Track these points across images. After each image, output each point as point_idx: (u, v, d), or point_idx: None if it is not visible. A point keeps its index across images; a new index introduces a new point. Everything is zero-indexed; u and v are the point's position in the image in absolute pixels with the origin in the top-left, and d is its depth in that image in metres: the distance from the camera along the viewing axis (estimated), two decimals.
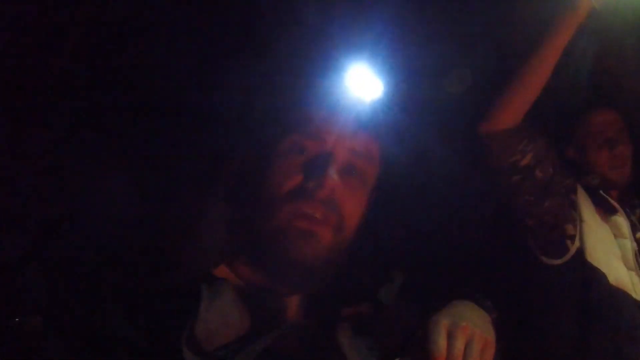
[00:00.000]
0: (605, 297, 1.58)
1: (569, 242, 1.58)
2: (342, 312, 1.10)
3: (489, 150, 1.58)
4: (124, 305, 0.97)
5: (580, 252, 1.62)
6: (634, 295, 1.62)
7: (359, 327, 1.08)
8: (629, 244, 1.71)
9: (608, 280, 1.61)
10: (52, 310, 0.98)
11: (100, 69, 1.28)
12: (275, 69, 1.34)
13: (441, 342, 0.96)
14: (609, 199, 1.77)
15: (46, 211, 1.32)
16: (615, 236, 1.72)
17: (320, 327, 1.09)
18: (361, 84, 1.15)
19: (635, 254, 1.70)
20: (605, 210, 1.77)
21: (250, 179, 1.12)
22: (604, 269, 1.61)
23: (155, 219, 1.15)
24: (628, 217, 1.77)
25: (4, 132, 1.27)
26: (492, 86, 1.58)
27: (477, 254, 1.61)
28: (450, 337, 0.96)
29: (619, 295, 1.60)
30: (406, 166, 1.25)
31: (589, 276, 1.59)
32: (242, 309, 1.00)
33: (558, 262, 1.59)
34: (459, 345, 0.96)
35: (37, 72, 1.30)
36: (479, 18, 1.59)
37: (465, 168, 1.62)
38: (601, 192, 1.77)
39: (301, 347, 1.02)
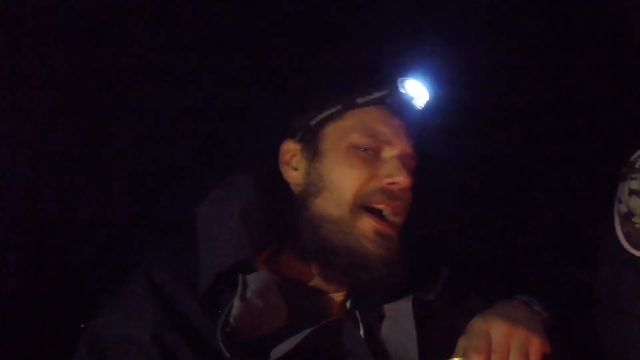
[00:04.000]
0: None
1: None
2: (384, 309, 1.11)
3: None
4: (167, 302, 1.01)
5: None
6: None
7: (401, 324, 1.08)
8: None
9: None
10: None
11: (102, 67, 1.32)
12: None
13: (482, 341, 0.95)
14: None
15: (112, 218, 1.41)
16: None
17: (362, 324, 1.10)
18: (414, 91, 1.19)
19: None
20: None
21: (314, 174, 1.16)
22: None
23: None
24: None
25: (71, 141, 1.33)
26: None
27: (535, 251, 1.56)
28: (493, 337, 0.95)
29: None
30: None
31: None
32: (280, 300, 1.01)
33: None
34: (502, 344, 0.94)
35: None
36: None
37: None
38: None
39: (341, 343, 1.02)
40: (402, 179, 1.11)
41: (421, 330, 1.05)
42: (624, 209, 1.27)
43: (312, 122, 1.18)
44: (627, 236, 1.29)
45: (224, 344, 0.92)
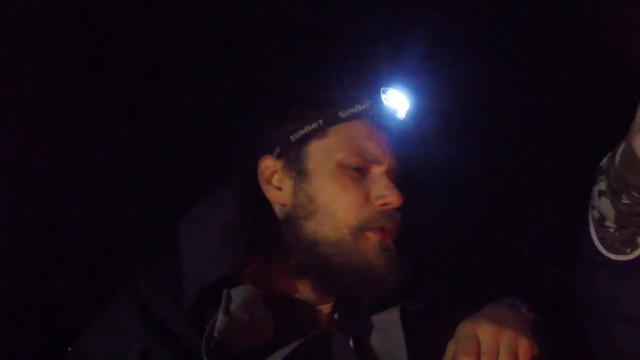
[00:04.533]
0: None
1: (639, 238, 1.46)
2: (372, 320, 1.10)
3: None
4: (154, 319, 1.00)
5: None
6: None
7: (390, 334, 1.07)
8: None
9: None
10: None
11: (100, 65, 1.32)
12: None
13: (470, 344, 0.95)
14: None
15: (97, 237, 1.39)
16: None
17: (350, 335, 1.09)
18: (396, 101, 1.19)
19: None
20: None
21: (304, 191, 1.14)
22: None
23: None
24: None
25: (53, 159, 1.31)
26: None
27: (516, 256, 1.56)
28: (482, 339, 0.96)
29: None
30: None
31: None
32: (266, 314, 1.00)
33: (625, 258, 1.44)
34: (491, 345, 0.95)
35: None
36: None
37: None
38: None
39: (330, 355, 1.01)
40: (393, 199, 1.11)
41: (410, 341, 1.05)
42: (596, 214, 1.27)
43: (293, 138, 1.16)
44: (602, 240, 1.30)
45: (208, 359, 0.91)
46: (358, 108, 1.15)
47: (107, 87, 1.32)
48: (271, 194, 1.16)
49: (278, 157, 1.17)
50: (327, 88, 1.22)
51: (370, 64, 1.35)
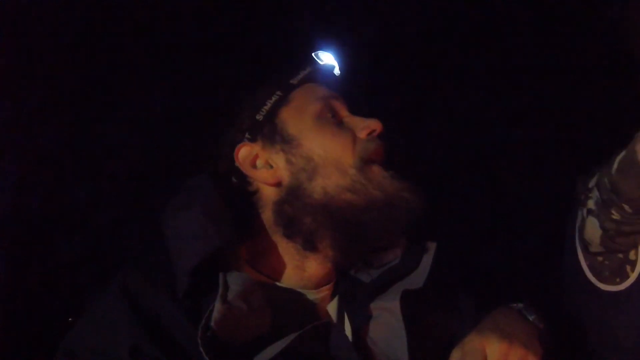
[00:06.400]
0: None
1: (628, 267, 1.44)
2: (371, 308, 1.09)
3: None
4: (144, 312, 0.97)
5: None
6: None
7: (389, 324, 1.06)
8: None
9: None
10: None
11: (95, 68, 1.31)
12: None
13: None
14: None
15: (103, 215, 1.40)
16: None
17: (350, 325, 1.08)
18: (330, 61, 1.26)
19: None
20: None
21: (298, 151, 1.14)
22: None
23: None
24: None
25: (60, 138, 1.32)
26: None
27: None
28: (490, 356, 0.96)
29: None
30: None
31: None
32: (263, 303, 0.99)
33: (615, 288, 1.41)
34: None
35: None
36: None
37: None
38: None
39: (328, 347, 1.00)
40: (375, 124, 1.15)
41: (410, 330, 1.04)
42: (582, 241, 1.24)
43: (259, 117, 1.16)
44: (592, 269, 1.26)
45: (204, 349, 0.88)
46: (303, 73, 1.19)
47: (113, 68, 1.33)
48: (262, 175, 1.14)
49: (252, 140, 1.16)
50: (270, 64, 1.33)
51: (302, 34, 1.43)
